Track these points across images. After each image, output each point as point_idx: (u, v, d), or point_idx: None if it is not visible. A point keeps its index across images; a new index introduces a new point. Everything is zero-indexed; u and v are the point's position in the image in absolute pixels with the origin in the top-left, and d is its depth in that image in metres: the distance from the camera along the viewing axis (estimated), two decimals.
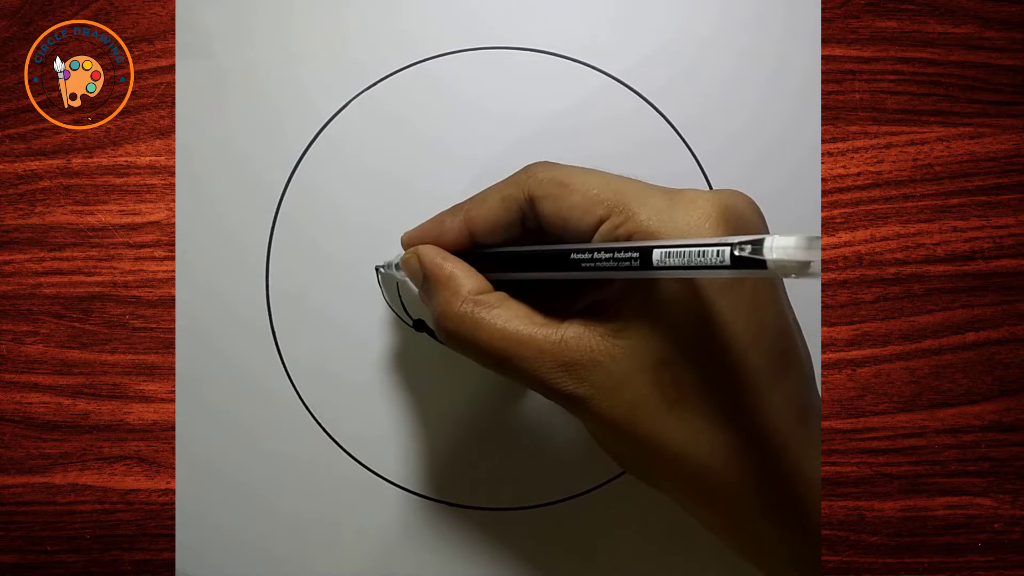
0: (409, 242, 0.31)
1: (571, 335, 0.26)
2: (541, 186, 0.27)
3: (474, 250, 0.30)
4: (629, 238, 0.25)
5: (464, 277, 0.28)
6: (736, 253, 0.20)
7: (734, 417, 0.25)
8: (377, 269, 0.35)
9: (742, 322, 0.25)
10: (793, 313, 0.27)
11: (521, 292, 0.29)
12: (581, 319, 0.26)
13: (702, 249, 0.21)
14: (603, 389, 0.25)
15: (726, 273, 0.21)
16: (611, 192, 0.26)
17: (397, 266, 0.33)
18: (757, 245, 0.20)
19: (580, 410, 0.26)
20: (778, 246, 0.20)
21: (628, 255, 0.23)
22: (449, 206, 0.29)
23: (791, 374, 0.26)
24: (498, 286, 0.29)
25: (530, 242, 0.29)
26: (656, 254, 0.22)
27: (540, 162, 0.29)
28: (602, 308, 0.26)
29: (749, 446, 0.25)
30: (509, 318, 0.27)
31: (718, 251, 0.21)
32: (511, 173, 0.29)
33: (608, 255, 0.24)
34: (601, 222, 0.26)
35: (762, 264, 0.20)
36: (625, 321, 0.25)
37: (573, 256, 0.25)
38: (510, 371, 0.27)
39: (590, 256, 0.25)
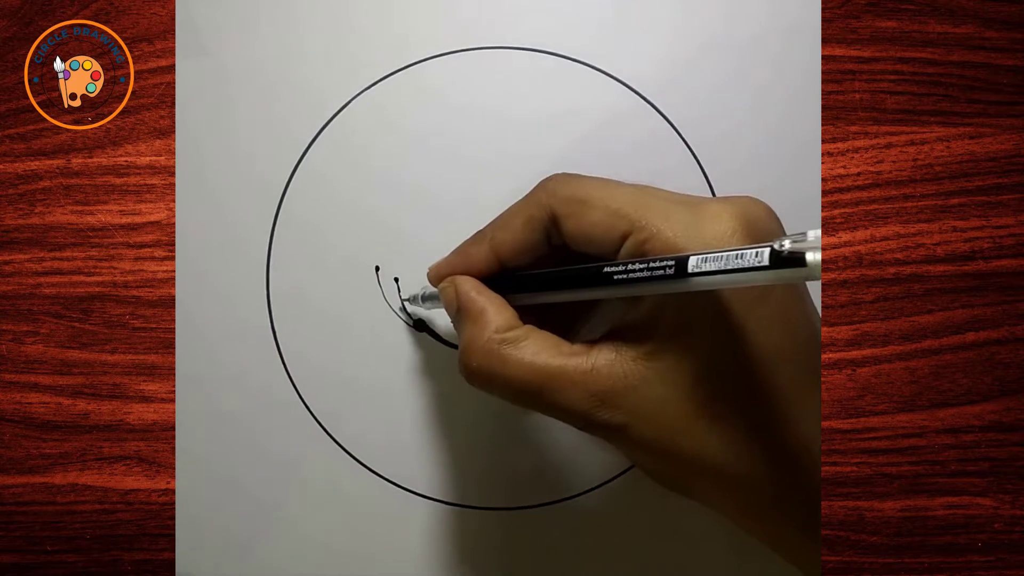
0: (437, 275, 0.31)
1: (602, 362, 0.25)
2: (562, 205, 0.27)
3: (503, 275, 0.29)
4: (655, 255, 0.25)
5: (495, 313, 0.28)
6: (777, 248, 0.20)
7: (772, 429, 0.25)
8: (403, 301, 0.34)
9: (776, 335, 0.25)
10: (820, 322, 0.27)
11: (546, 323, 0.28)
12: (610, 344, 0.26)
13: (740, 252, 0.21)
14: (640, 415, 0.25)
15: (762, 277, 0.21)
16: (633, 207, 0.26)
17: (423, 298, 0.32)
18: (797, 241, 0.20)
19: (619, 438, 0.26)
20: (816, 240, 0.19)
21: (663, 263, 0.23)
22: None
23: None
24: (527, 312, 0.28)
25: (557, 259, 0.28)
26: (693, 260, 0.22)
27: (557, 176, 0.28)
28: (630, 332, 0.26)
29: (787, 457, 0.25)
30: (537, 351, 0.26)
31: (757, 252, 0.21)
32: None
33: (642, 266, 0.24)
34: (625, 237, 0.26)
35: (801, 261, 0.19)
36: (657, 343, 0.25)
37: (606, 270, 0.25)
38: (541, 406, 0.26)
39: (623, 269, 0.24)
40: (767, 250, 0.20)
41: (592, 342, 0.27)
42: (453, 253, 0.30)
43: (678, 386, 0.25)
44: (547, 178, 0.28)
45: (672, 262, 0.23)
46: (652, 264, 0.24)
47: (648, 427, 0.25)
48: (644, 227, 0.25)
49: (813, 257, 0.19)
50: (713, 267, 0.22)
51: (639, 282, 0.24)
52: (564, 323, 0.31)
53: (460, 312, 0.29)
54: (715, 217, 0.25)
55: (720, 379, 0.25)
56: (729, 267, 0.21)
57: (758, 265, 0.21)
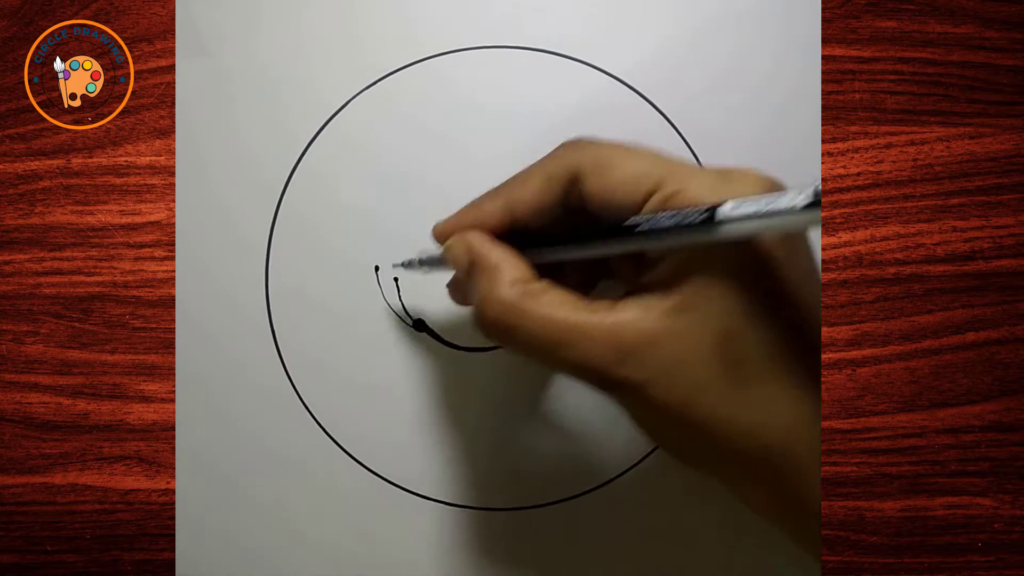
0: (443, 232, 0.29)
1: (628, 318, 0.24)
2: (587, 160, 0.26)
3: (516, 234, 0.28)
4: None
5: (510, 266, 0.26)
6: (818, 188, 0.20)
7: (806, 383, 0.24)
8: (395, 266, 0.34)
9: (804, 294, 0.24)
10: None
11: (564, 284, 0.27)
12: (635, 299, 0.25)
13: (778, 196, 0.21)
14: (661, 372, 0.24)
15: (800, 220, 0.20)
16: (660, 166, 0.25)
17: (421, 261, 0.31)
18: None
19: (633, 397, 0.24)
20: None
21: (695, 211, 0.22)
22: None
23: None
24: (542, 274, 0.27)
25: (570, 225, 0.27)
26: (728, 205, 0.22)
27: (580, 138, 0.27)
28: (657, 287, 0.25)
29: (817, 415, 0.24)
30: (557, 305, 0.25)
31: (798, 192, 0.20)
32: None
33: (673, 213, 0.23)
34: (649, 195, 0.25)
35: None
36: (686, 296, 0.24)
37: (630, 222, 0.24)
38: (557, 361, 0.25)
39: (652, 219, 0.24)
40: (811, 189, 0.20)
41: (615, 299, 0.25)
42: (463, 209, 0.29)
43: (704, 343, 0.23)
44: (569, 140, 0.27)
45: (705, 209, 0.22)
46: (684, 212, 0.23)
47: (668, 385, 0.24)
48: (671, 184, 0.24)
49: None
50: (750, 211, 0.21)
51: (669, 232, 0.23)
52: (577, 287, 0.30)
53: (473, 266, 0.27)
54: (743, 178, 0.24)
55: (753, 332, 0.23)
56: (767, 210, 0.21)
57: (800, 205, 0.20)
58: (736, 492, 0.26)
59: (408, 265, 0.32)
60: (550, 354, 0.25)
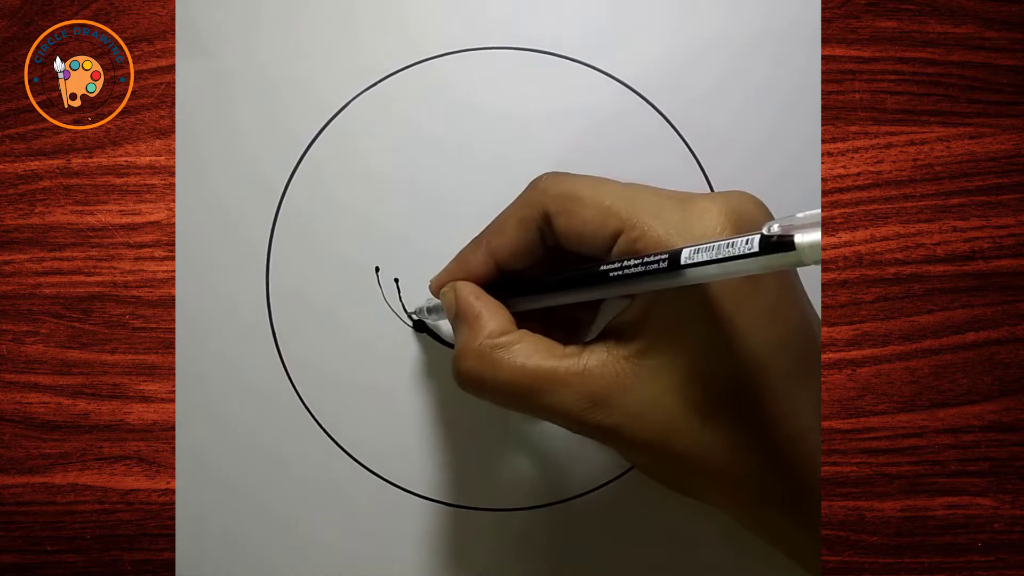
0: (436, 284, 0.31)
1: (594, 363, 0.25)
2: (554, 202, 0.27)
3: (502, 280, 0.30)
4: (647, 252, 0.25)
5: (489, 318, 0.28)
6: (766, 233, 0.20)
7: (763, 425, 0.25)
8: (409, 315, 0.34)
9: (767, 328, 0.24)
10: (815, 312, 0.27)
11: (551, 329, 0.28)
12: (602, 345, 0.26)
13: (731, 241, 0.21)
14: (633, 415, 0.25)
15: (753, 265, 0.20)
16: (623, 204, 0.26)
17: (428, 310, 0.33)
18: (786, 225, 0.20)
19: (613, 439, 0.26)
20: (806, 220, 0.19)
21: (656, 258, 0.23)
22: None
23: (818, 372, 0.26)
24: (530, 317, 0.28)
25: (553, 262, 0.29)
26: (685, 252, 0.22)
27: (548, 174, 0.28)
28: (622, 331, 0.26)
29: (779, 452, 0.25)
30: (529, 353, 0.26)
31: (747, 240, 0.21)
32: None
33: (637, 262, 0.24)
34: (616, 235, 0.26)
35: (790, 245, 0.19)
36: (648, 340, 0.25)
37: (602, 268, 0.25)
38: (533, 408, 0.26)
39: (619, 266, 0.24)
40: (756, 237, 0.20)
41: (585, 344, 0.27)
42: (452, 261, 0.31)
43: (670, 384, 0.25)
44: (538, 178, 0.28)
45: (665, 256, 0.23)
46: (647, 259, 0.24)
47: (642, 427, 0.25)
48: (635, 225, 0.25)
49: (802, 239, 0.19)
50: (705, 257, 0.22)
51: (634, 279, 0.24)
52: (568, 329, 0.31)
53: (457, 317, 0.29)
54: (704, 212, 0.25)
55: (712, 376, 0.25)
56: (720, 256, 0.21)
57: (748, 252, 0.20)
58: (725, 513, 0.27)
59: (418, 313, 0.34)
60: (525, 401, 0.26)
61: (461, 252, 0.30)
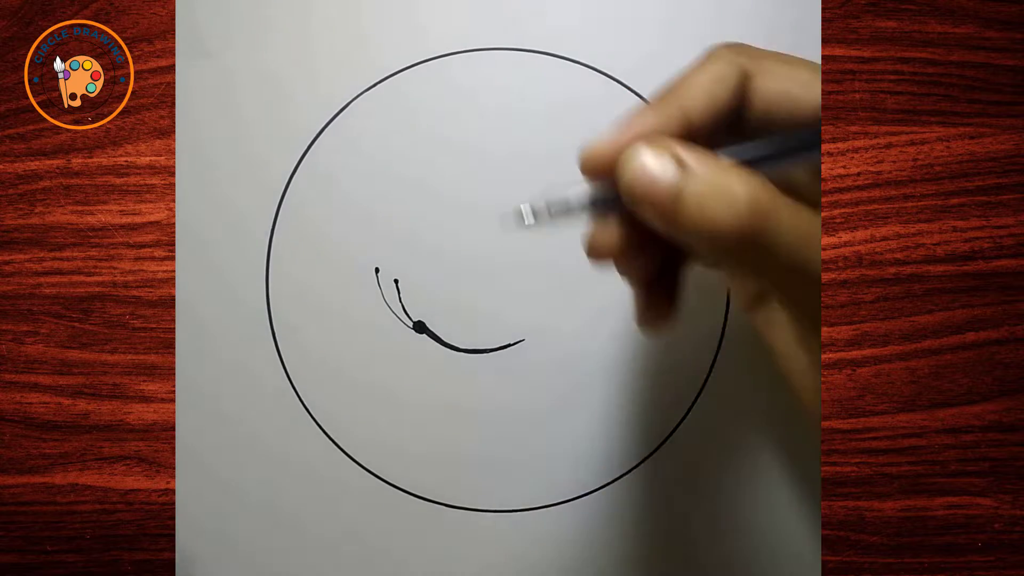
0: (605, 153, 0.24)
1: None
2: (753, 64, 0.24)
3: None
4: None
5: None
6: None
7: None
8: (516, 220, 0.24)
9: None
10: None
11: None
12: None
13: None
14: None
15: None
16: (815, 77, 0.24)
17: (552, 209, 0.24)
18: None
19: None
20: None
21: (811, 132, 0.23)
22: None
23: None
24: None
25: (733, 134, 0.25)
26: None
27: (730, 43, 0.25)
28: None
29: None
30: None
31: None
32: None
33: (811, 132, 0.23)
34: (811, 106, 0.24)
35: None
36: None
37: (804, 135, 0.23)
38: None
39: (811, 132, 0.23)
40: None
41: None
42: (626, 124, 0.24)
43: None
44: (720, 44, 0.25)
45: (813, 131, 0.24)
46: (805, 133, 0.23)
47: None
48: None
49: None
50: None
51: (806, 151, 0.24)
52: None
53: (682, 163, 0.22)
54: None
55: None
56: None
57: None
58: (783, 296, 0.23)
59: (535, 216, 0.24)
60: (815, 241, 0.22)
61: (636, 114, 0.24)
